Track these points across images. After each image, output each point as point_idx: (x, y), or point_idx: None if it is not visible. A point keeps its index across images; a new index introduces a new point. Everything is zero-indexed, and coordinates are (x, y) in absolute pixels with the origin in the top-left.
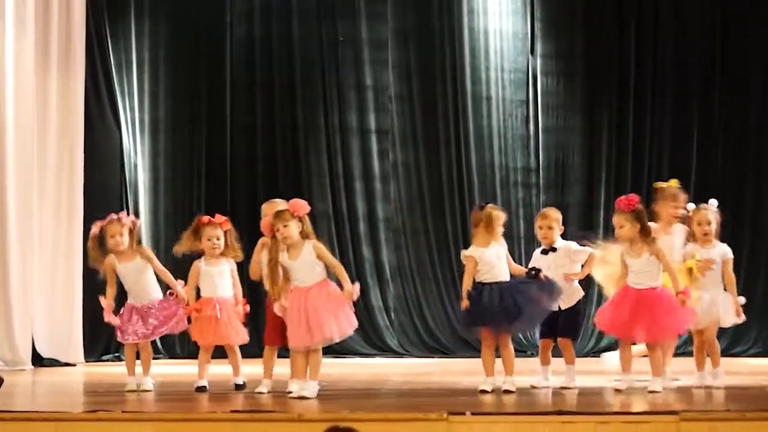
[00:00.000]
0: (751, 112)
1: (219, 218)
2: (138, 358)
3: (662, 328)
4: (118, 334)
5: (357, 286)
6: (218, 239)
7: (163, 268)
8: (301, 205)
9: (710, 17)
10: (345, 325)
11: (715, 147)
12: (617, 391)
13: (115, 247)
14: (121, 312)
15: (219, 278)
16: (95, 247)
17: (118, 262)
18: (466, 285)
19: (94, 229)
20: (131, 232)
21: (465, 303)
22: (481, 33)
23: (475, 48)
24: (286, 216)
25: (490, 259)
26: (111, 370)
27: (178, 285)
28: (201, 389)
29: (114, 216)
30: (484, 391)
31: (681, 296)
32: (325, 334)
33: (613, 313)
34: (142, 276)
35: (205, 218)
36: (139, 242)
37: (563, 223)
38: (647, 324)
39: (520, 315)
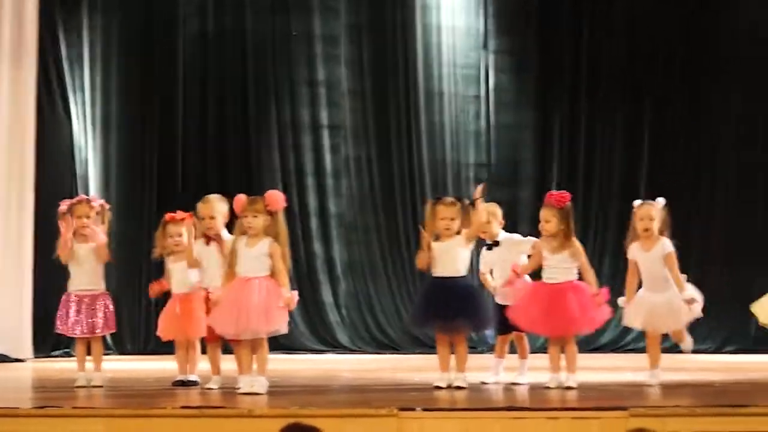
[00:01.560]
0: (703, 109)
1: (180, 215)
2: (89, 353)
3: (574, 321)
4: (58, 325)
5: (295, 294)
6: (179, 236)
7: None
8: (276, 200)
9: (664, 14)
10: (274, 322)
11: (666, 145)
12: (546, 388)
13: (80, 228)
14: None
15: (182, 275)
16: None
17: (77, 242)
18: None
19: (63, 207)
20: (98, 215)
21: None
22: (434, 29)
23: (428, 43)
24: (259, 207)
25: (437, 254)
26: (61, 366)
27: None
28: (177, 383)
29: (84, 197)
30: (438, 387)
31: (598, 298)
32: (251, 326)
33: (526, 308)
34: (94, 262)
35: (168, 216)
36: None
37: (513, 218)
38: (559, 317)
39: (445, 317)
